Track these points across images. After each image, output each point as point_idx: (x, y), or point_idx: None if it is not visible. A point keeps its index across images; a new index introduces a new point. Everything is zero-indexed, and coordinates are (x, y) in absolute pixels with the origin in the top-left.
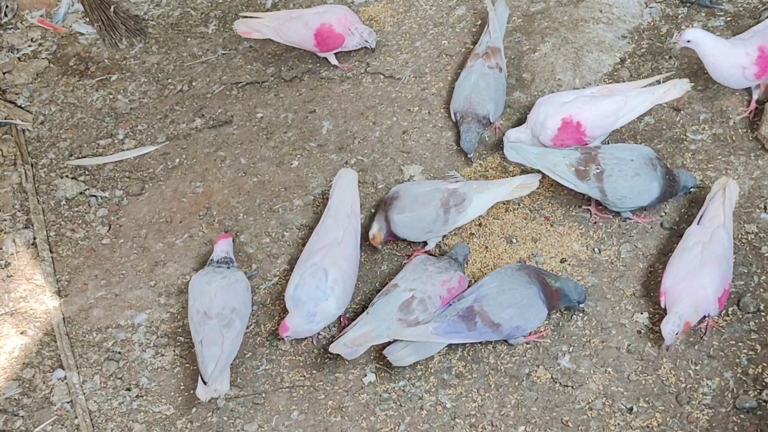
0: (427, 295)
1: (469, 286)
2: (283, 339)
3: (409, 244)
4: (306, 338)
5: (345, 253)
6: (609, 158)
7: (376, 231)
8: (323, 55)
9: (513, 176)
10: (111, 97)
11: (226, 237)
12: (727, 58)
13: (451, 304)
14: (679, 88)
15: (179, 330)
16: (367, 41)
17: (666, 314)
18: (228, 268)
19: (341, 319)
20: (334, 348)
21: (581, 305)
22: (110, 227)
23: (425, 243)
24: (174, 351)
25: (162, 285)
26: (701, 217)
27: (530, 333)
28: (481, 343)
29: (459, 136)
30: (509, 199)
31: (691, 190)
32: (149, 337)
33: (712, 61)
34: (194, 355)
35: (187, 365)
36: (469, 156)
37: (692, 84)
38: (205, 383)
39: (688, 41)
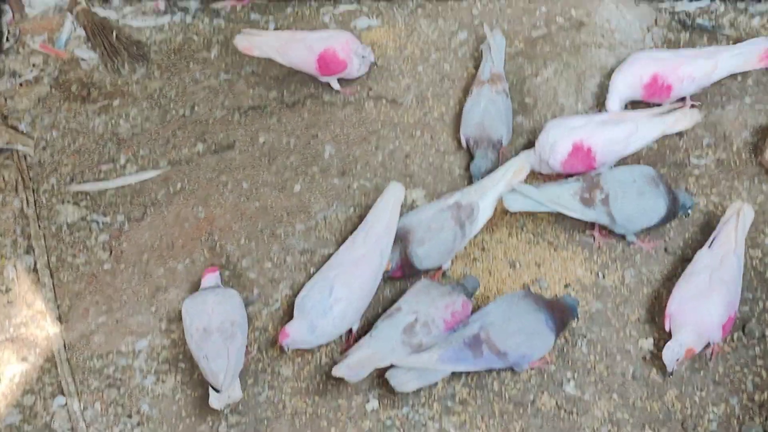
0: (431, 319)
1: (473, 312)
2: (282, 348)
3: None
4: (310, 363)
5: (361, 275)
6: (612, 181)
7: (387, 260)
8: (325, 79)
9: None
10: (113, 122)
11: (212, 270)
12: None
13: (455, 330)
14: (689, 117)
15: (180, 356)
16: (363, 56)
17: (670, 338)
18: (217, 287)
19: (348, 337)
20: (336, 371)
21: (575, 313)
22: (111, 252)
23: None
24: (175, 377)
25: (163, 311)
26: (713, 240)
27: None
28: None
29: (470, 160)
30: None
31: (689, 211)
32: (150, 364)
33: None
34: (196, 382)
35: (188, 392)
36: (474, 180)
37: (700, 112)
38: (217, 392)
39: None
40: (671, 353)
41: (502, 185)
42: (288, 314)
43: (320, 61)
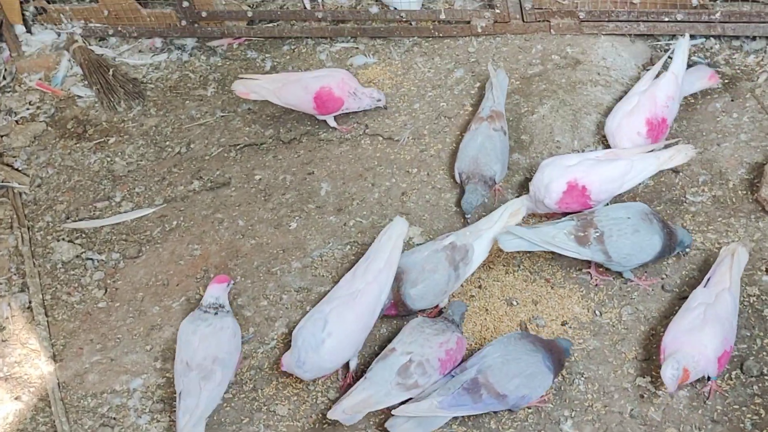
0: (425, 359)
1: (469, 354)
2: (278, 387)
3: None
4: (306, 402)
5: (357, 309)
6: (606, 219)
7: (386, 296)
8: (322, 117)
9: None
10: (109, 159)
11: (220, 282)
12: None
13: (453, 375)
14: (684, 153)
15: (175, 396)
16: (379, 100)
17: (680, 391)
18: (216, 314)
19: (345, 375)
20: (332, 414)
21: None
22: (106, 290)
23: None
24: (170, 417)
25: (158, 349)
26: (708, 280)
27: None
28: None
29: (462, 195)
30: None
31: (687, 249)
32: (145, 403)
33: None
34: None
35: None
36: (466, 216)
37: (698, 150)
38: None
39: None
40: (671, 370)
41: (498, 227)
42: (284, 352)
43: (317, 99)
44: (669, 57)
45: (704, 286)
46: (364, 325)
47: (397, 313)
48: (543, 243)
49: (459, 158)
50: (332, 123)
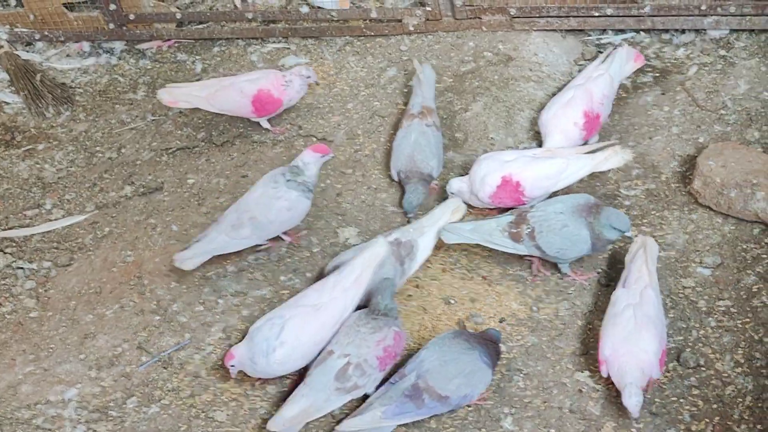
0: (363, 359)
1: (407, 357)
2: (228, 371)
3: None
4: (244, 407)
5: (315, 323)
6: (538, 215)
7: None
8: (256, 119)
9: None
10: (38, 166)
11: (316, 150)
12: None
13: (393, 383)
14: (620, 156)
15: (111, 404)
16: (309, 76)
17: (610, 381)
18: (288, 181)
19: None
20: (272, 425)
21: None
22: (38, 300)
23: None
24: (106, 426)
25: (92, 358)
26: (625, 279)
27: None
28: None
29: (402, 195)
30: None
31: (623, 233)
32: (80, 413)
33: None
34: (127, 430)
35: None
36: (408, 216)
37: (632, 152)
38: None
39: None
40: (636, 399)
41: (441, 224)
42: (222, 359)
43: (256, 102)
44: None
45: (623, 286)
46: (320, 339)
47: None
48: (481, 240)
49: (394, 157)
50: (265, 125)
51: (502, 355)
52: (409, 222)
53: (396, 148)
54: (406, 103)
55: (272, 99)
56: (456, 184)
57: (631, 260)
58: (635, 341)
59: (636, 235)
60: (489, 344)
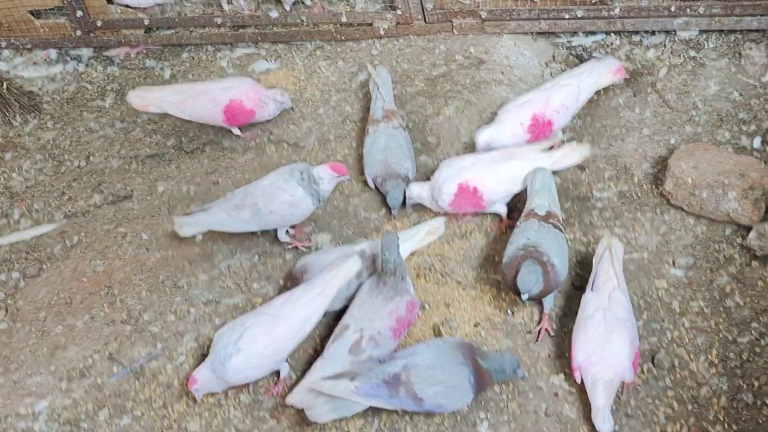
0: (377, 332)
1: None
2: (190, 402)
3: None
4: (218, 417)
5: (275, 332)
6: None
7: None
8: (227, 128)
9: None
10: (5, 176)
11: (335, 169)
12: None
13: (380, 362)
14: (578, 152)
15: (82, 416)
16: (282, 102)
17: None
18: (301, 180)
19: (276, 382)
20: (290, 398)
21: (520, 374)
22: (7, 311)
23: None
24: None
25: (63, 370)
26: (593, 281)
27: None
28: (398, 413)
29: (384, 196)
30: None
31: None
32: (51, 425)
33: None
34: None
35: None
36: (393, 211)
37: (590, 147)
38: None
39: (488, 143)
40: (605, 424)
41: (414, 242)
42: (194, 368)
43: (227, 113)
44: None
45: (592, 289)
46: (279, 349)
47: None
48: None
49: (367, 164)
50: (236, 131)
51: None
52: (392, 218)
53: (367, 154)
54: (368, 64)
55: (244, 110)
56: (416, 190)
57: (598, 262)
58: (607, 346)
59: (599, 237)
60: (481, 373)
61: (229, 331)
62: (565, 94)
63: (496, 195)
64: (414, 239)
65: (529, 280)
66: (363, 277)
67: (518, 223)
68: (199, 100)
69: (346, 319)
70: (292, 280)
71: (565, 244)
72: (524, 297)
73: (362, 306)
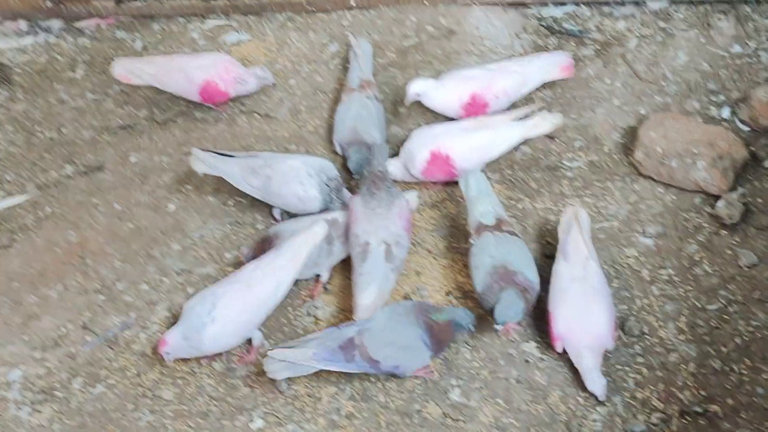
0: (397, 235)
1: None
2: (162, 357)
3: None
4: (191, 385)
5: (246, 299)
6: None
7: (241, 254)
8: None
9: None
10: None
11: None
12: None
13: (339, 329)
14: (549, 121)
15: (56, 385)
16: (264, 78)
17: (558, 353)
18: (315, 177)
19: (248, 349)
20: (358, 314)
21: (472, 327)
22: None
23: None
24: (52, 407)
25: (37, 339)
26: (564, 251)
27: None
28: (371, 380)
29: (346, 160)
30: None
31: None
32: (25, 394)
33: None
34: (74, 411)
35: (66, 421)
36: (354, 176)
37: (562, 116)
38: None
39: (417, 94)
40: (600, 382)
41: None
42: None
43: (203, 93)
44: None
45: (564, 259)
46: (253, 316)
47: None
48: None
49: (336, 130)
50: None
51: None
52: (357, 184)
53: (338, 121)
54: (349, 35)
55: (219, 92)
56: (389, 167)
57: (566, 232)
58: (588, 317)
59: (564, 206)
60: (439, 328)
61: (201, 300)
62: (510, 82)
63: (468, 163)
64: None
65: (512, 313)
66: (333, 243)
67: (471, 241)
68: (175, 75)
69: (361, 237)
70: (263, 245)
71: (527, 250)
72: (499, 328)
73: (370, 221)
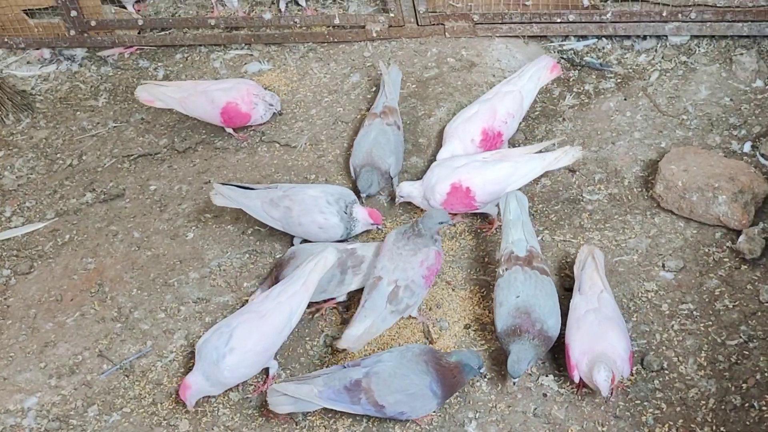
0: (411, 281)
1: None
2: (180, 401)
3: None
4: (207, 414)
5: (262, 329)
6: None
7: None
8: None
9: None
10: None
11: (371, 215)
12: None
13: (345, 368)
14: (570, 155)
15: (72, 413)
16: (272, 105)
17: (576, 386)
18: (335, 204)
19: (265, 380)
20: (342, 343)
21: (482, 370)
22: None
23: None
24: None
25: (53, 366)
26: (580, 287)
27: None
28: None
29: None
30: None
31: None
32: (40, 422)
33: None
34: None
35: None
36: (362, 195)
37: (582, 150)
38: None
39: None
40: (604, 374)
41: None
42: (185, 366)
43: (224, 114)
44: (563, 57)
45: (579, 293)
46: (269, 344)
47: None
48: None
49: (353, 154)
50: (229, 130)
51: None
52: (362, 203)
53: (356, 145)
54: (368, 109)
55: (240, 113)
56: (406, 188)
57: (581, 269)
58: (603, 340)
59: (581, 245)
60: (447, 376)
61: (216, 334)
62: (510, 102)
63: (488, 196)
64: None
65: (520, 368)
66: (347, 273)
67: (500, 271)
68: (199, 99)
69: (377, 271)
70: (279, 268)
71: (554, 292)
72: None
73: (392, 258)
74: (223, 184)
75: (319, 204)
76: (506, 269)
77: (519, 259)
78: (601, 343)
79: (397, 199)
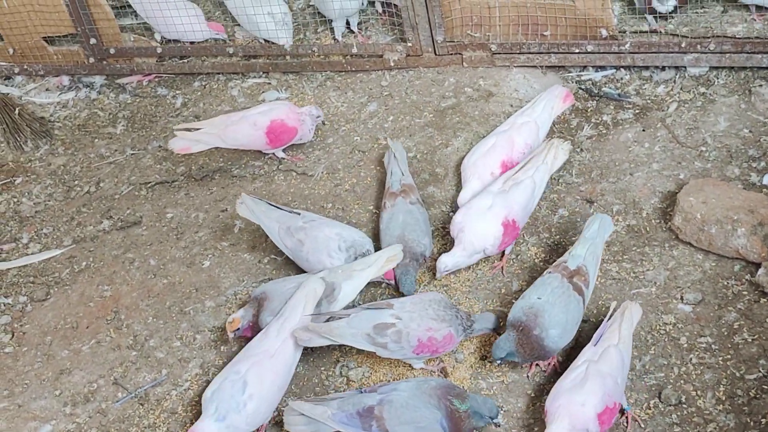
0: (407, 331)
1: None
2: None
3: None
4: None
5: (274, 368)
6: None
7: (238, 317)
8: (270, 151)
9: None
10: (15, 200)
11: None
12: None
13: (362, 392)
14: (560, 148)
15: None
16: (318, 116)
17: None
18: (345, 252)
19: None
20: (296, 332)
21: (495, 420)
22: (13, 335)
23: None
24: None
25: (68, 394)
26: (598, 337)
27: None
28: None
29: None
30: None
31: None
32: None
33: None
34: None
35: None
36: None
37: (569, 142)
38: None
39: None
40: None
41: (373, 271)
42: (200, 395)
43: (270, 133)
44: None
45: (594, 344)
46: (283, 383)
47: (253, 336)
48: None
49: (384, 240)
50: (280, 154)
51: (483, 392)
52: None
53: (384, 230)
54: (385, 138)
55: (286, 128)
56: (450, 261)
57: (610, 322)
58: (576, 393)
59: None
60: (461, 417)
61: (227, 383)
62: (527, 133)
63: (525, 218)
64: (372, 268)
65: (496, 352)
66: (320, 302)
67: (548, 270)
68: (239, 126)
69: (396, 300)
70: (254, 304)
71: (575, 311)
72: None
73: (416, 304)
74: (250, 196)
75: (329, 247)
76: (550, 272)
77: (566, 270)
78: (571, 396)
79: (438, 275)
